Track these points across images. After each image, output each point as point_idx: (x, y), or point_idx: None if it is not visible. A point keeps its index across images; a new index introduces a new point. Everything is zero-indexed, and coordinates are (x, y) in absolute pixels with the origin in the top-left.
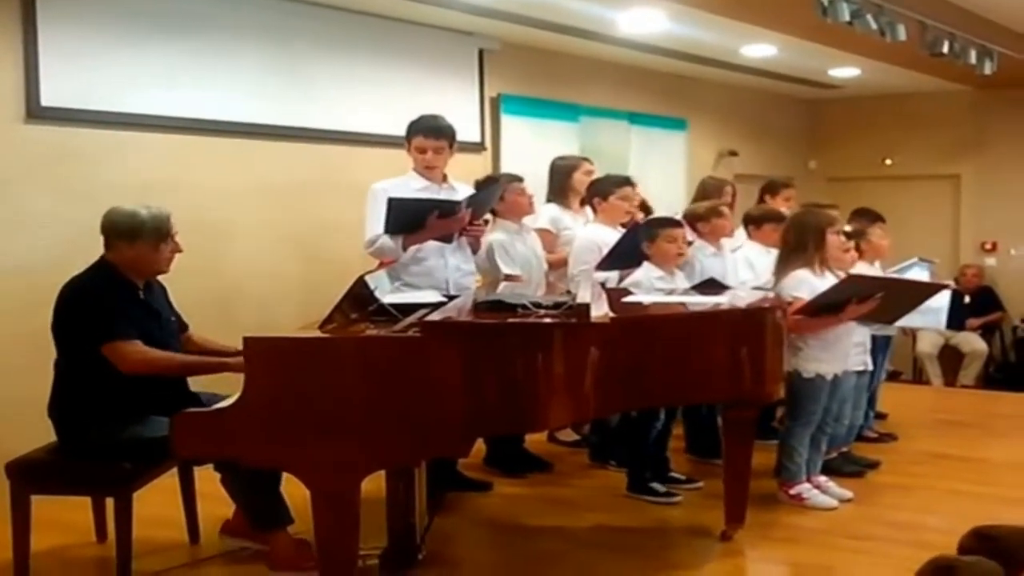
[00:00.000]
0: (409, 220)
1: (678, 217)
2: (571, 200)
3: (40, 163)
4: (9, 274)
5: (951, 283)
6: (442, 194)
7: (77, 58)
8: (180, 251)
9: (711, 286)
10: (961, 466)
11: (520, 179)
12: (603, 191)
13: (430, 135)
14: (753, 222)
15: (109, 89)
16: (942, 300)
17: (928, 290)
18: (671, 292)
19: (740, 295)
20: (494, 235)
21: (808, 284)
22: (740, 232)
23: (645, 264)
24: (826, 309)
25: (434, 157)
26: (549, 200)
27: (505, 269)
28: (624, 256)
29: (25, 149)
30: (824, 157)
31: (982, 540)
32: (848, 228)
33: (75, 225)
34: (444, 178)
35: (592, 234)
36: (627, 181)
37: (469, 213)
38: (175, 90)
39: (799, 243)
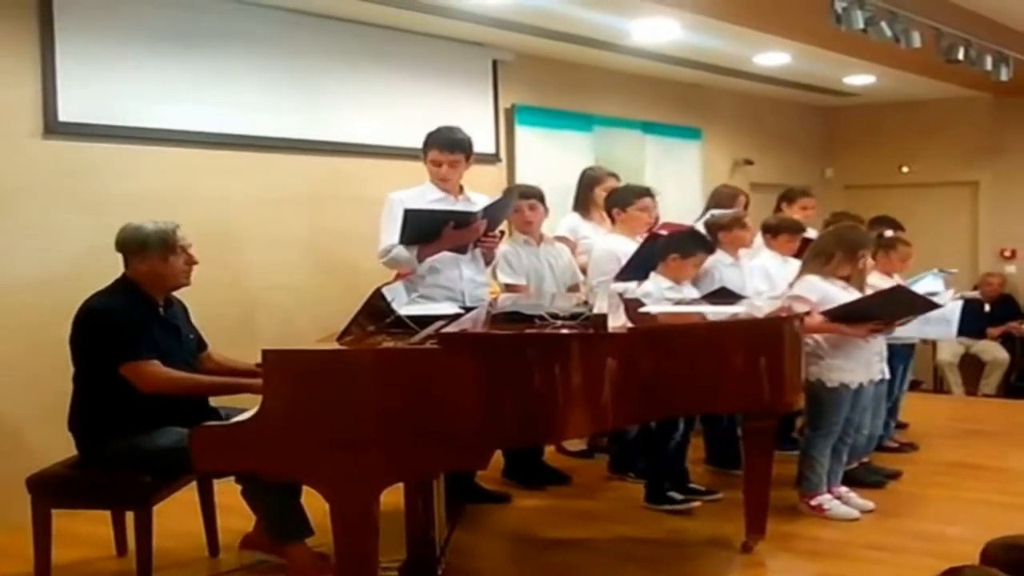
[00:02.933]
0: (424, 231)
1: (699, 225)
2: (591, 211)
3: (58, 177)
4: (27, 287)
5: (975, 294)
6: (458, 206)
7: (94, 74)
8: (196, 262)
9: (724, 295)
10: (983, 475)
11: (535, 193)
12: (622, 202)
13: (445, 149)
14: (770, 231)
15: (125, 104)
16: (953, 310)
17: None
18: (679, 302)
19: (757, 305)
20: (503, 246)
21: (819, 289)
22: (757, 240)
23: (653, 275)
24: (855, 317)
25: (449, 171)
26: (575, 208)
27: (503, 278)
28: (643, 266)
29: (43, 164)
30: (840, 165)
31: (1009, 551)
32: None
33: (92, 239)
34: (461, 189)
35: (610, 244)
36: (647, 192)
37: (484, 224)
38: (191, 104)
39: (826, 251)
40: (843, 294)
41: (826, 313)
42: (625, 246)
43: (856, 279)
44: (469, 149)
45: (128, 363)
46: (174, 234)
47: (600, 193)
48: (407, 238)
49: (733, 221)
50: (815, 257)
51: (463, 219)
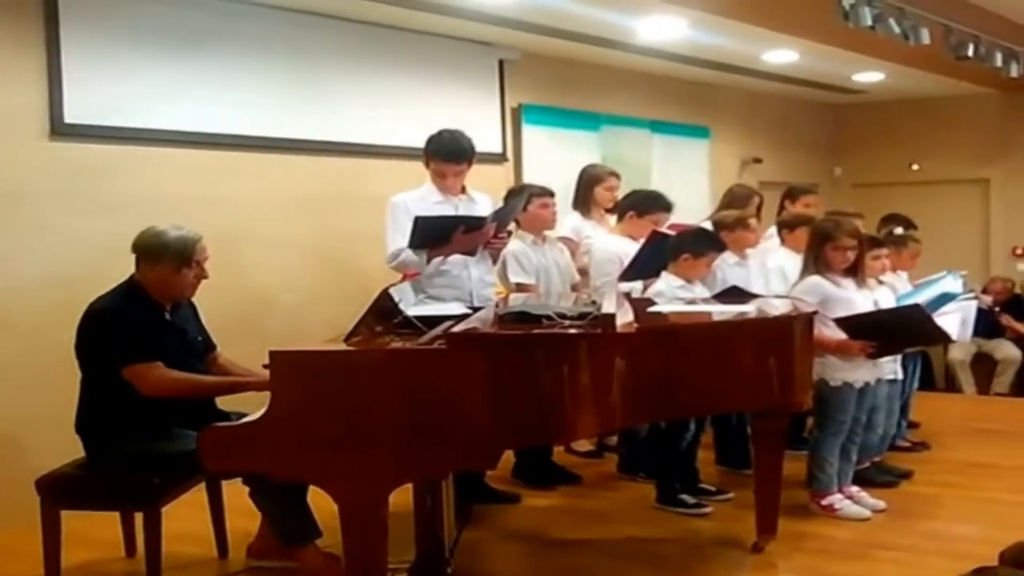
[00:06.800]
0: (435, 236)
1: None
2: (592, 211)
3: (64, 179)
4: (35, 290)
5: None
6: (461, 206)
7: (100, 75)
8: (206, 277)
9: (735, 294)
10: (996, 475)
11: (549, 192)
12: (642, 208)
13: (451, 161)
14: (787, 226)
15: (132, 105)
16: (968, 311)
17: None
18: (691, 301)
19: (770, 303)
20: (511, 245)
21: (820, 290)
22: (767, 243)
23: (665, 274)
24: (865, 329)
25: (454, 180)
26: (575, 207)
27: (514, 278)
28: (647, 265)
29: (50, 165)
30: (849, 163)
31: None
32: (879, 235)
33: (99, 241)
34: (463, 189)
35: (612, 245)
36: (669, 209)
37: (494, 227)
38: (197, 105)
39: (811, 254)
40: (846, 293)
41: (837, 320)
42: (627, 247)
43: (829, 269)
44: (474, 154)
45: (130, 366)
46: (194, 247)
47: (602, 193)
48: (417, 243)
49: (737, 222)
50: (807, 263)
51: (474, 223)
